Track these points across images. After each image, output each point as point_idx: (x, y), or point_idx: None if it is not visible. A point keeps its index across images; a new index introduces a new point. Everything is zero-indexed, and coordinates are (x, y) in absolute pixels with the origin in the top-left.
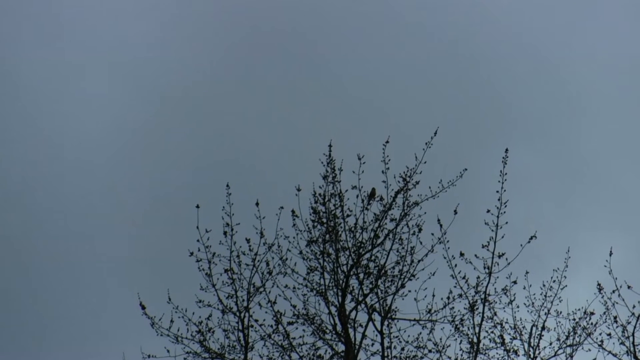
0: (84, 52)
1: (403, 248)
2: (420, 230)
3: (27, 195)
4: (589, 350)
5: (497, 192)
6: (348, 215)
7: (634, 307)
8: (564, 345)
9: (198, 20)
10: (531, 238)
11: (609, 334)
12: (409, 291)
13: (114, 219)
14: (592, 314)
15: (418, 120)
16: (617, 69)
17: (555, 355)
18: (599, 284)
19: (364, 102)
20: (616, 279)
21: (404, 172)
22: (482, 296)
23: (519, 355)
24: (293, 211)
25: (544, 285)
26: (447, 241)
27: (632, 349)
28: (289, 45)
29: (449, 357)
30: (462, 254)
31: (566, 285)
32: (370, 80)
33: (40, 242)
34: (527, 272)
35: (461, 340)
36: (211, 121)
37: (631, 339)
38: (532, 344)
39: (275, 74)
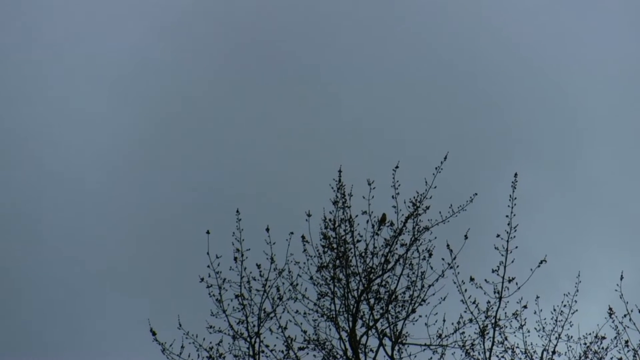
0: (81, 67)
1: (413, 273)
2: (430, 255)
3: (31, 222)
4: None
5: (507, 216)
6: (358, 241)
7: None
8: None
9: (203, 41)
10: (541, 262)
11: (620, 359)
12: (420, 316)
13: (120, 242)
14: (603, 338)
15: (427, 145)
16: (626, 89)
17: None
18: (610, 309)
19: (373, 127)
20: (627, 303)
21: (414, 197)
22: (493, 321)
23: None
24: (303, 237)
25: (554, 310)
26: (457, 266)
27: None
28: (297, 68)
29: None
30: (472, 279)
31: (577, 310)
32: (379, 105)
33: (43, 268)
34: (537, 297)
35: None
36: (219, 146)
37: None
38: None
39: (284, 97)
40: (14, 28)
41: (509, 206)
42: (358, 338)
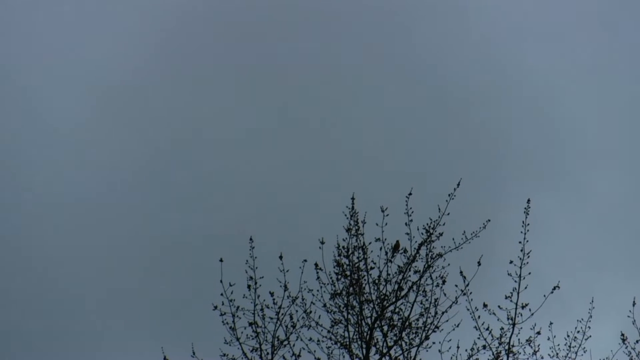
0: (74, 77)
1: (427, 300)
2: (444, 282)
3: (30, 250)
4: None
5: (520, 242)
6: (372, 268)
7: None
8: None
9: (208, 56)
10: (554, 288)
11: None
12: (433, 343)
13: (130, 270)
14: None
15: (441, 171)
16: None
17: None
18: (622, 334)
19: (387, 154)
20: None
21: (427, 224)
22: (506, 347)
23: None
24: (316, 264)
25: (568, 336)
26: (471, 292)
27: None
28: (310, 92)
29: None
30: (485, 305)
31: (590, 336)
32: (392, 132)
33: (55, 298)
34: (551, 323)
35: None
36: (231, 172)
37: None
38: None
39: (297, 122)
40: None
41: (521, 232)
42: None
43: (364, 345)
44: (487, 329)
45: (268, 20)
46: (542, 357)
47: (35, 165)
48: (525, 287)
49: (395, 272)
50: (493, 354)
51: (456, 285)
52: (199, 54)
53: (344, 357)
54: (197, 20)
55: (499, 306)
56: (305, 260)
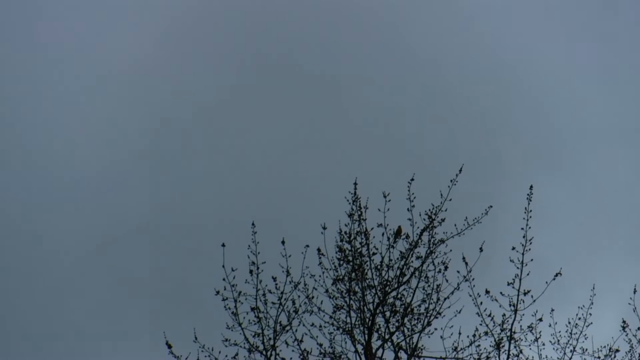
0: (80, 68)
1: (429, 286)
2: (446, 268)
3: (30, 234)
4: None
5: (522, 229)
6: (374, 254)
7: None
8: None
9: (210, 45)
10: (556, 275)
11: None
12: (435, 329)
13: (132, 254)
14: (617, 351)
15: (443, 157)
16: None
17: None
18: (623, 321)
19: (389, 140)
20: None
21: (430, 210)
22: (508, 334)
23: None
24: (319, 249)
25: (569, 323)
26: (473, 279)
27: None
28: (313, 77)
29: None
30: (487, 292)
31: (591, 323)
32: (395, 117)
33: (54, 280)
34: (552, 310)
35: None
36: (233, 157)
37: None
38: None
39: (299, 108)
40: (5, 27)
41: (524, 219)
42: (374, 351)
43: (366, 331)
44: (489, 316)
45: (267, 13)
46: (543, 344)
47: (37, 158)
48: (528, 274)
49: (398, 258)
50: (495, 341)
51: (458, 272)
52: (197, 49)
53: (346, 342)
54: (196, 12)
55: (501, 292)
56: (308, 246)
